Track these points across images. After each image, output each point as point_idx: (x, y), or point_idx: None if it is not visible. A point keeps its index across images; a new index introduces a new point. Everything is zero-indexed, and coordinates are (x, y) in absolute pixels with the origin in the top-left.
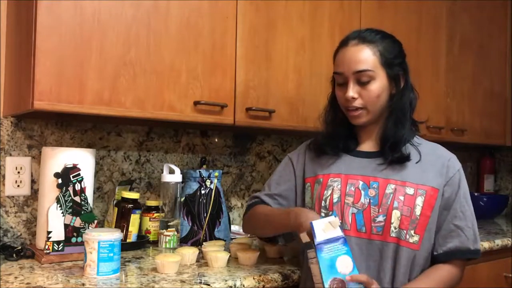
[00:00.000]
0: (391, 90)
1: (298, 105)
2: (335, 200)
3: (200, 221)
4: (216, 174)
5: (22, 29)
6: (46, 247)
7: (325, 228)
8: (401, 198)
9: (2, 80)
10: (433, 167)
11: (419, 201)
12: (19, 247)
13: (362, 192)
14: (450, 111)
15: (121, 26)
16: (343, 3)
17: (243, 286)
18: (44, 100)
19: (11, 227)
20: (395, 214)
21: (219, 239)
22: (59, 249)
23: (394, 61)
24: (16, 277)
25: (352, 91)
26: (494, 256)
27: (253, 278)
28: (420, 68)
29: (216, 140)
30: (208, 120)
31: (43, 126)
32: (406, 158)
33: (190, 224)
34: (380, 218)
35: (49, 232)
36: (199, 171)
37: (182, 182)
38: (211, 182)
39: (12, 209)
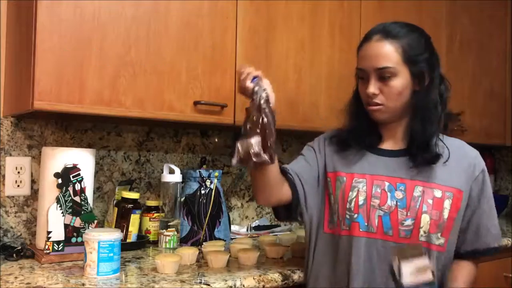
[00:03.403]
0: (415, 87)
1: (298, 105)
2: (360, 203)
3: (200, 221)
4: (216, 174)
5: (22, 29)
6: (46, 247)
7: (413, 271)
8: (430, 201)
9: (2, 80)
10: (460, 167)
11: (447, 204)
12: (19, 247)
13: (389, 194)
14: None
15: (121, 26)
16: (343, 3)
17: (243, 286)
18: (44, 100)
19: (11, 227)
20: (425, 219)
21: (219, 239)
22: (59, 249)
23: (419, 57)
24: (16, 277)
25: (373, 87)
26: (494, 256)
27: (253, 278)
28: None
29: (216, 140)
30: (208, 120)
31: (43, 126)
32: (437, 158)
33: (190, 224)
34: (409, 221)
35: (49, 232)
36: (199, 171)
37: (182, 182)
38: (211, 182)
39: (12, 209)
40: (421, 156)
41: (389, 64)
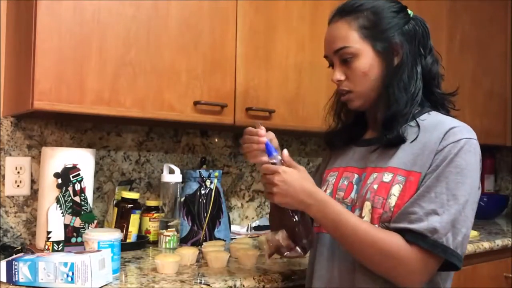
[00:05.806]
0: (386, 64)
1: (298, 105)
2: None
3: (200, 221)
4: (216, 174)
5: (22, 29)
6: (46, 247)
7: None
8: (375, 187)
9: (2, 80)
10: (426, 145)
11: (395, 190)
12: (19, 247)
13: (355, 186)
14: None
15: (121, 26)
16: None
17: (243, 286)
18: (44, 100)
19: (11, 227)
20: (366, 207)
21: (219, 239)
22: (59, 249)
23: (384, 32)
24: None
25: (338, 73)
26: (494, 256)
27: (253, 278)
28: None
29: (216, 140)
30: (208, 120)
31: (43, 126)
32: (399, 140)
33: (190, 224)
34: (357, 212)
35: (49, 232)
36: (199, 171)
37: (182, 182)
38: (211, 182)
39: (12, 209)
40: (384, 138)
41: (344, 43)
